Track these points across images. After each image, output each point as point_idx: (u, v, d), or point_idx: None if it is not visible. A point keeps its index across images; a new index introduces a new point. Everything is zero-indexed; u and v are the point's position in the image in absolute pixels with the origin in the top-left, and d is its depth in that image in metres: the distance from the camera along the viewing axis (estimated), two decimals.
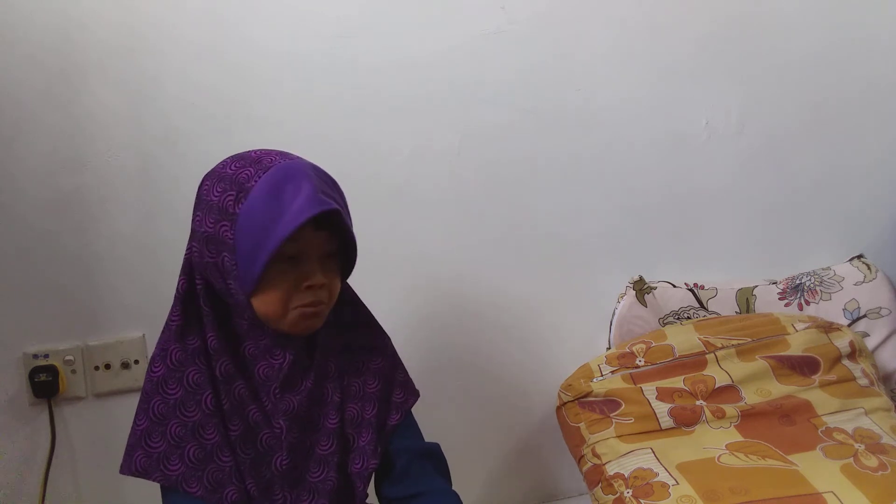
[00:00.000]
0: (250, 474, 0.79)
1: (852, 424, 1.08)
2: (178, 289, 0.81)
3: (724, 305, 1.30)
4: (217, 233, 0.76)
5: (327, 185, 0.79)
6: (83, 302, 1.19)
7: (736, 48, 1.28)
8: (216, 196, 0.76)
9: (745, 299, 1.30)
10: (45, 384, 1.18)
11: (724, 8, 1.26)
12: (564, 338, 1.33)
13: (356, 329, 0.91)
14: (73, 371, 1.20)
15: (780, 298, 1.31)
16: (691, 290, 1.31)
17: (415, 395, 0.93)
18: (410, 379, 0.94)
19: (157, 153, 1.16)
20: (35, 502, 1.19)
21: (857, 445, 1.03)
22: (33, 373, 1.18)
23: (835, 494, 0.92)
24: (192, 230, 0.80)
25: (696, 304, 1.30)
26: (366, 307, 0.93)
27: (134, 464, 0.77)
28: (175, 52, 1.16)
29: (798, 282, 1.31)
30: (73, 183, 1.16)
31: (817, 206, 1.34)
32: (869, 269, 1.29)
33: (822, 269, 1.32)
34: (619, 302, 1.30)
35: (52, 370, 1.18)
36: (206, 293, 0.80)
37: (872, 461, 0.99)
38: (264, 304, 0.77)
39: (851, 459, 1.00)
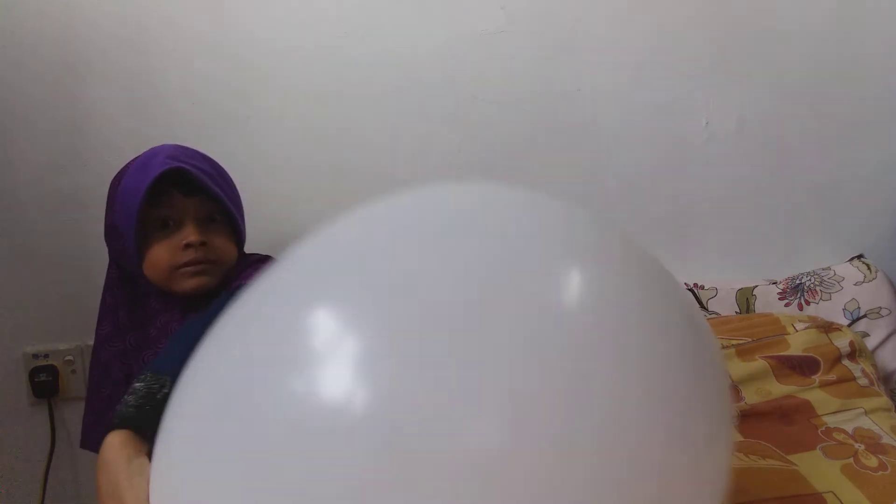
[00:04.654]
0: None
1: (852, 424, 1.08)
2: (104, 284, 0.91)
3: (724, 305, 1.30)
4: (112, 221, 0.85)
5: (189, 157, 0.85)
6: (83, 302, 1.18)
7: (736, 48, 1.28)
8: (110, 193, 0.86)
9: (745, 299, 1.30)
10: (45, 384, 1.18)
11: (725, 8, 1.26)
12: None
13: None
14: (73, 371, 1.20)
15: (780, 298, 1.31)
16: (691, 290, 1.31)
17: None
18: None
19: None
20: (35, 501, 1.19)
21: (857, 445, 1.03)
22: (33, 373, 1.18)
23: (835, 494, 0.92)
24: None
25: (696, 304, 1.30)
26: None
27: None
28: (177, 50, 1.16)
29: (798, 282, 1.31)
30: (74, 182, 1.16)
31: (817, 206, 1.34)
32: (869, 269, 1.29)
33: (822, 269, 1.32)
34: None
35: (52, 370, 1.18)
36: (119, 280, 0.89)
37: (872, 461, 0.99)
38: (152, 269, 0.85)
39: (851, 459, 1.00)
